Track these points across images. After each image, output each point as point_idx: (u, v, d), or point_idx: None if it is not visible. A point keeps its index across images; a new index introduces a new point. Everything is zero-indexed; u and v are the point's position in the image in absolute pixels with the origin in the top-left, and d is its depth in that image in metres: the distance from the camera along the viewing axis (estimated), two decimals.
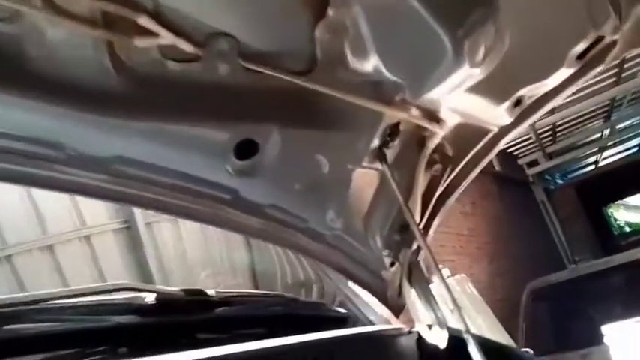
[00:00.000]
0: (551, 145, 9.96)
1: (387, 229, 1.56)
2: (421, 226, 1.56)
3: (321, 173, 1.36)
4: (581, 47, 1.20)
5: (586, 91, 7.74)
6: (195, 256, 4.93)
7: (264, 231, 1.42)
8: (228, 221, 1.35)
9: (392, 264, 1.61)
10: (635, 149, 12.51)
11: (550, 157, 10.14)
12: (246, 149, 1.19)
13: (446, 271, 4.52)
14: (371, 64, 1.15)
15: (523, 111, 1.37)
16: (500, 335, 4.18)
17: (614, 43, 1.25)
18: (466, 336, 1.31)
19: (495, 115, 1.36)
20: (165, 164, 1.17)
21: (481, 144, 1.49)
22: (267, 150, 1.22)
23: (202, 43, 1.02)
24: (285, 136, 1.23)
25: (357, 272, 1.64)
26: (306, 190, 1.38)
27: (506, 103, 1.31)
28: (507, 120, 1.38)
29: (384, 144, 1.38)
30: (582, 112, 8.73)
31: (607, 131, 10.52)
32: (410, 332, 1.65)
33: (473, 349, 1.29)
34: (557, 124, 8.96)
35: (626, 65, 7.28)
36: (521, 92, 1.30)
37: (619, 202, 15.68)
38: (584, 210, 10.46)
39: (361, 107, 1.22)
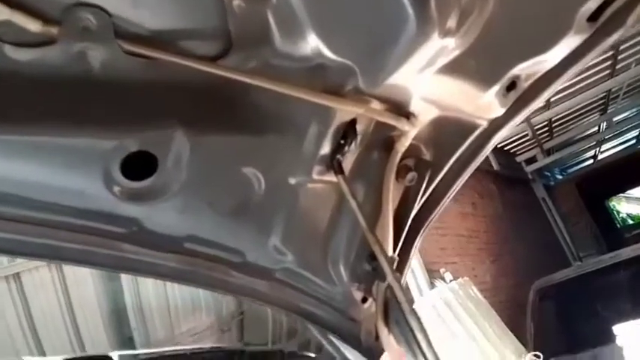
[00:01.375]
0: (548, 140, 9.87)
1: (354, 257, 1.21)
2: (396, 252, 1.21)
3: (254, 191, 1.04)
4: (593, 4, 0.89)
5: (581, 85, 7.66)
6: (176, 295, 4.77)
7: (183, 271, 1.08)
8: (134, 262, 1.01)
9: (364, 300, 1.26)
10: (634, 141, 12.43)
11: (548, 153, 10.05)
12: (141, 165, 0.89)
13: (448, 275, 4.39)
14: (307, 43, 0.86)
15: (519, 97, 1.04)
16: (507, 339, 4.04)
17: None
18: None
19: (483, 104, 1.03)
20: (27, 194, 0.86)
21: (467, 143, 1.15)
22: (169, 165, 0.91)
23: (56, 19, 0.75)
24: (195, 145, 0.92)
25: (319, 313, 1.29)
26: (236, 214, 1.06)
27: (496, 87, 0.99)
28: (499, 110, 1.06)
29: (338, 149, 1.04)
30: (578, 106, 8.64)
31: (604, 124, 10.44)
32: None
33: None
34: (554, 119, 8.86)
35: (620, 57, 7.21)
36: (515, 71, 0.98)
37: (621, 194, 15.58)
38: (586, 204, 10.35)
39: (300, 102, 0.92)
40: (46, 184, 0.86)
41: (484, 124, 1.11)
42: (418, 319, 1.01)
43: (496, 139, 1.15)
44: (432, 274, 4.57)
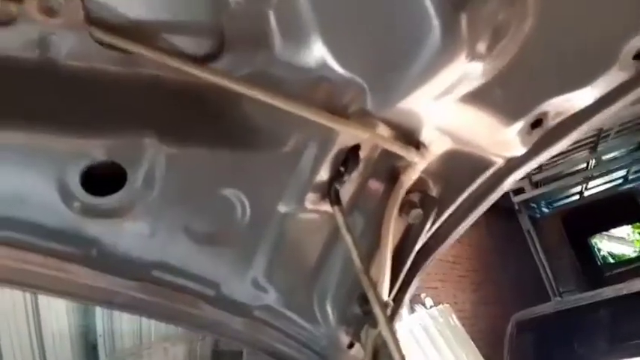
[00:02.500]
0: (537, 173, 9.92)
1: (343, 297, 1.08)
2: (392, 295, 1.08)
3: (236, 217, 0.91)
4: None
5: None
6: (149, 324, 4.65)
7: (145, 302, 0.93)
8: (87, 290, 0.87)
9: (351, 345, 1.14)
10: (620, 181, 12.56)
11: (536, 185, 10.10)
12: (107, 177, 0.76)
13: (429, 301, 4.34)
14: (311, 51, 0.74)
15: (544, 136, 0.92)
16: None
17: None
18: None
19: (503, 140, 0.91)
20: None
21: (479, 181, 1.03)
22: (139, 180, 0.78)
23: None
24: (171, 159, 0.79)
25: (299, 357, 1.15)
26: (214, 242, 0.93)
27: (521, 123, 0.87)
28: (519, 149, 0.93)
29: (336, 177, 0.92)
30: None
31: (593, 162, 10.53)
32: None
33: None
34: None
35: None
36: (544, 107, 0.86)
37: (604, 232, 15.71)
38: (570, 240, 10.39)
39: (298, 120, 0.80)
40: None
41: (500, 162, 0.99)
42: None
43: (511, 181, 1.02)
44: (413, 299, 4.53)
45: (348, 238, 0.92)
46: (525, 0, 0.71)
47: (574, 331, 5.61)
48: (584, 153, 10.06)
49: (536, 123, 0.90)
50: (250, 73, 0.77)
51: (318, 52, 0.74)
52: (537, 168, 9.80)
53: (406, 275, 1.11)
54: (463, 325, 4.47)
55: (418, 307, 4.32)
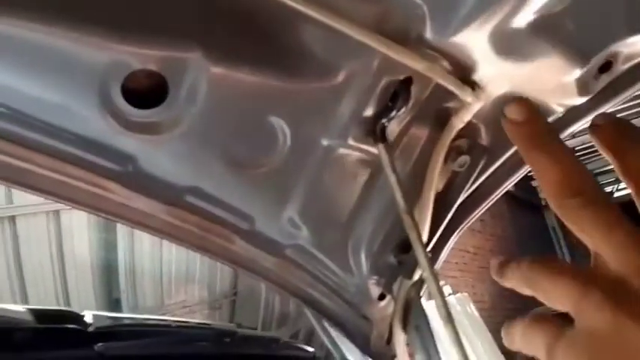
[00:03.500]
0: None
1: (379, 246, 1.03)
2: (430, 246, 1.03)
3: (277, 146, 0.86)
4: None
5: None
6: (171, 260, 4.71)
7: (175, 227, 0.91)
8: (120, 209, 0.85)
9: (382, 296, 1.10)
10: None
11: None
12: (147, 89, 0.72)
13: (447, 289, 4.36)
14: None
15: (611, 83, 0.81)
16: None
17: None
18: None
19: (567, 84, 0.79)
20: (18, 104, 0.71)
21: None
22: (182, 94, 0.74)
23: None
24: (215, 76, 0.74)
25: (328, 303, 1.11)
26: (253, 169, 0.88)
27: (589, 65, 0.75)
28: (583, 96, 0.82)
29: (384, 112, 0.84)
30: None
31: None
32: None
33: None
34: (577, 148, 8.74)
35: None
36: (616, 47, 0.74)
37: None
38: None
39: (351, 47, 0.73)
40: (38, 96, 0.70)
41: (560, 110, 0.87)
42: (453, 322, 0.83)
43: (569, 133, 0.92)
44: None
45: (392, 178, 0.84)
46: None
47: None
48: None
49: (605, 66, 0.77)
50: None
51: None
52: None
53: (446, 227, 1.02)
54: (481, 316, 4.48)
55: None
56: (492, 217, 7.49)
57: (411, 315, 1.01)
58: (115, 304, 4.65)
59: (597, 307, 0.38)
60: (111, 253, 4.70)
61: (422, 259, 0.86)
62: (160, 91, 0.73)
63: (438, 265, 1.11)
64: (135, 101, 0.72)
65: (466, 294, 4.37)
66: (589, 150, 9.21)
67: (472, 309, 4.24)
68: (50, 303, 4.23)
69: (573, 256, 9.73)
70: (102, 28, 0.67)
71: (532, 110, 0.47)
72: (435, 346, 0.98)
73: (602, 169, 10.30)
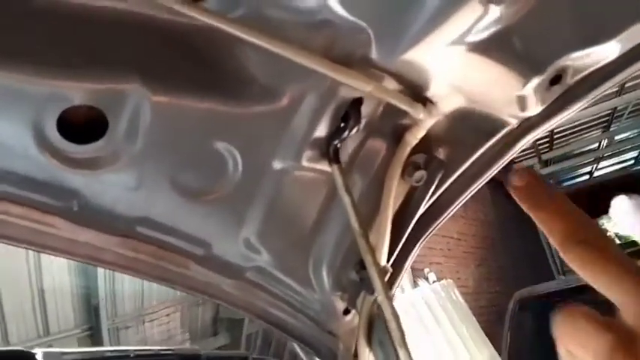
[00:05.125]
0: (547, 152, 9.82)
1: (340, 263, 1.03)
2: (391, 261, 1.03)
3: (228, 172, 0.86)
4: None
5: None
6: (150, 288, 4.66)
7: (128, 259, 0.89)
8: (68, 245, 0.82)
9: (346, 311, 1.09)
10: (632, 162, 12.41)
11: (546, 164, 10.01)
12: (86, 124, 0.71)
13: (432, 276, 4.35)
14: None
15: (562, 94, 0.83)
16: (483, 346, 4.03)
17: None
18: None
19: (519, 97, 0.82)
20: None
21: (490, 144, 0.94)
22: (122, 127, 0.73)
23: None
24: (157, 106, 0.73)
25: (292, 321, 1.11)
26: (204, 197, 0.87)
27: (540, 78, 0.78)
28: (536, 108, 0.85)
29: (336, 133, 0.85)
30: (582, 120, 8.58)
31: (605, 142, 10.40)
32: None
33: None
34: (556, 130, 8.81)
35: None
36: (565, 61, 0.77)
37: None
38: None
39: (295, 68, 0.73)
40: None
41: (514, 122, 0.90)
42: (406, 346, 0.83)
43: (524, 143, 0.94)
44: (416, 273, 4.54)
45: (346, 199, 0.86)
46: None
47: None
48: (597, 132, 9.92)
49: (555, 79, 0.80)
50: (245, 14, 0.69)
51: None
52: (548, 146, 9.69)
53: (407, 241, 1.03)
54: (466, 300, 4.50)
55: (421, 282, 4.33)
56: (475, 201, 7.52)
57: (376, 329, 0.97)
58: (94, 312, 4.57)
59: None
60: (92, 281, 4.63)
61: (377, 283, 0.85)
62: (100, 125, 0.71)
63: (400, 279, 1.09)
64: (73, 137, 0.70)
65: (450, 280, 4.37)
66: (567, 132, 9.29)
67: (457, 295, 4.26)
68: (26, 304, 4.12)
69: None
70: (33, 65, 0.64)
71: (532, 176, 0.52)
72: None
73: (581, 150, 10.44)
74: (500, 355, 4.13)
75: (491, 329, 4.86)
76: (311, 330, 1.11)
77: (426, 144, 0.94)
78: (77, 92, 0.67)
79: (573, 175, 12.58)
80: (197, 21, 0.67)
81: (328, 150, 0.86)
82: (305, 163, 0.88)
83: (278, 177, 0.90)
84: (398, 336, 0.82)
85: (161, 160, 0.81)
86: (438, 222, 1.06)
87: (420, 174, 0.95)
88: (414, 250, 1.07)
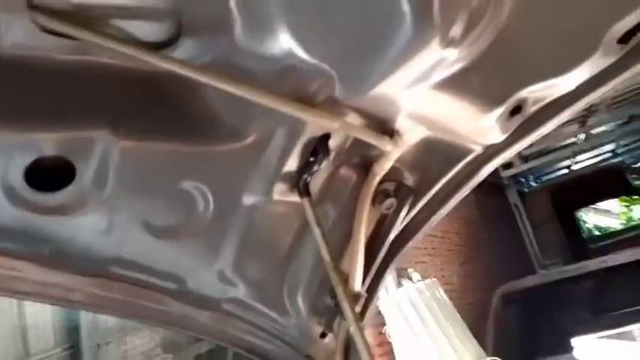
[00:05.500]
0: (527, 147, 9.96)
1: (315, 289, 1.07)
2: (365, 286, 1.06)
3: (198, 210, 0.89)
4: (631, 21, 0.74)
5: None
6: None
7: (102, 298, 0.90)
8: (40, 289, 0.83)
9: (323, 335, 1.14)
10: (609, 154, 12.66)
11: (525, 159, 10.14)
12: (53, 173, 0.74)
13: (416, 275, 4.39)
14: (277, 39, 0.70)
15: (523, 123, 0.91)
16: (468, 342, 4.07)
17: None
18: None
19: (481, 127, 0.89)
20: None
21: (456, 170, 1.01)
22: (90, 174, 0.76)
23: None
24: (125, 151, 0.76)
25: (270, 348, 1.14)
26: (175, 236, 0.90)
27: (500, 110, 0.85)
28: (499, 136, 0.92)
29: (306, 167, 0.90)
30: None
31: (582, 136, 10.58)
32: None
33: None
34: None
35: None
36: (522, 94, 0.84)
37: (590, 206, 15.92)
38: (557, 214, 10.55)
39: (263, 109, 0.76)
40: None
41: (479, 149, 0.97)
42: None
43: (489, 168, 1.00)
44: (401, 273, 4.57)
45: (317, 232, 0.91)
46: None
47: (558, 302, 5.74)
48: (574, 127, 10.09)
49: (516, 110, 0.88)
50: (211, 61, 0.73)
51: (283, 40, 0.70)
52: None
53: (380, 265, 1.09)
54: (450, 298, 4.54)
55: (405, 282, 4.37)
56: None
57: (352, 351, 1.02)
58: (75, 330, 4.50)
59: None
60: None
61: (348, 314, 0.91)
62: (68, 173, 0.75)
63: (375, 301, 1.15)
64: (41, 186, 0.73)
65: (435, 279, 4.41)
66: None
67: (441, 293, 4.29)
68: (5, 326, 4.04)
69: (535, 231, 10.01)
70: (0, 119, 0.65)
71: None
72: None
73: (559, 145, 10.60)
74: (485, 349, 4.19)
75: (477, 325, 4.92)
76: (288, 355, 1.14)
77: (395, 172, 1.00)
78: (44, 143, 0.70)
79: (553, 170, 12.78)
80: (163, 67, 0.69)
81: (298, 184, 0.91)
82: (276, 197, 0.92)
83: (250, 211, 0.93)
84: (366, 355, 0.86)
85: (131, 202, 0.84)
86: (410, 243, 1.12)
87: (390, 202, 1.02)
88: (387, 272, 1.12)
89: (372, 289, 1.11)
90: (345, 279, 0.95)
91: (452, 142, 0.95)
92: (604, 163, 12.08)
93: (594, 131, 10.46)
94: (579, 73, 0.80)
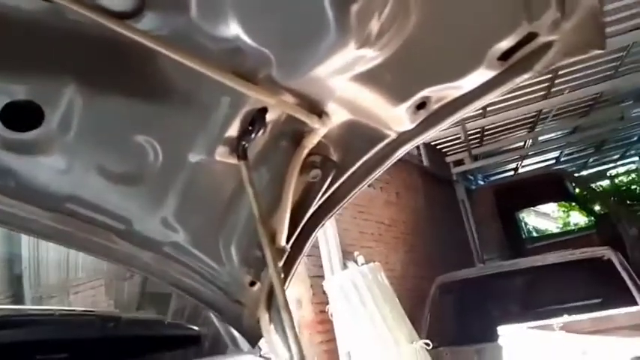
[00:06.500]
0: (478, 147, 10.33)
1: (246, 242, 1.22)
2: (289, 244, 1.22)
3: (148, 162, 1.02)
4: (506, 44, 0.94)
5: (517, 100, 8.05)
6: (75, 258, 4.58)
7: (59, 231, 1.02)
8: (4, 216, 0.95)
9: (252, 283, 1.28)
10: (553, 161, 13.32)
11: (475, 158, 10.54)
12: (25, 115, 0.85)
13: (360, 259, 4.53)
14: (227, 25, 0.84)
15: (428, 117, 1.09)
16: (404, 325, 4.27)
17: (549, 45, 0.95)
18: None
19: (394, 116, 1.07)
20: None
21: (374, 150, 1.17)
22: (56, 120, 0.88)
23: None
24: (88, 104, 0.88)
25: (204, 291, 1.29)
26: (126, 182, 1.03)
27: (407, 104, 1.04)
28: (408, 125, 1.10)
29: (244, 135, 1.04)
30: (511, 120, 9.09)
31: (530, 141, 11.07)
32: None
33: None
34: (486, 127, 9.28)
35: (557, 81, 7.63)
36: (426, 92, 1.03)
37: (531, 208, 16.71)
38: (499, 212, 11.04)
39: (212, 81, 0.89)
40: None
41: (393, 135, 1.15)
42: (289, 313, 1.04)
43: (402, 151, 1.19)
44: (347, 256, 4.70)
45: (250, 191, 1.06)
46: (410, 2, 0.85)
47: (491, 295, 6.08)
48: (524, 132, 10.55)
49: (421, 105, 1.06)
50: (169, 34, 0.83)
51: (232, 27, 0.83)
52: (479, 142, 10.20)
53: (306, 228, 1.25)
54: (392, 283, 4.72)
55: (350, 264, 4.50)
56: (407, 189, 7.82)
57: (274, 299, 1.16)
58: (17, 280, 4.41)
59: None
60: (15, 248, 4.47)
61: (271, 265, 1.08)
62: (37, 117, 0.86)
63: (300, 259, 1.30)
64: (13, 125, 0.84)
65: (378, 263, 4.57)
66: (496, 130, 9.81)
67: (382, 277, 4.46)
68: None
69: (478, 227, 10.45)
70: None
71: None
72: (292, 326, 1.13)
73: (508, 147, 11.06)
74: (419, 333, 4.40)
75: (415, 311, 5.14)
76: (220, 298, 1.30)
77: (322, 148, 1.17)
78: (18, 88, 0.81)
79: (500, 171, 13.33)
80: (126, 35, 0.80)
81: (237, 148, 1.05)
82: (218, 158, 1.06)
83: (194, 168, 1.07)
84: (282, 301, 1.05)
85: (90, 148, 0.96)
86: (332, 213, 1.29)
87: (316, 172, 1.19)
88: (312, 237, 1.29)
89: (296, 248, 1.26)
90: (272, 235, 1.12)
91: (371, 126, 1.12)
92: (547, 169, 12.68)
93: (541, 138, 10.97)
94: (469, 81, 1.00)
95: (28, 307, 3.60)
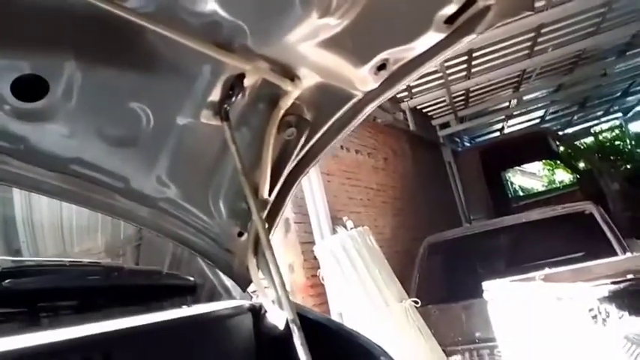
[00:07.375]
0: (463, 109, 10.38)
1: (233, 196, 1.37)
2: (272, 196, 1.37)
3: (142, 126, 1.15)
4: (450, 10, 1.06)
5: (501, 60, 8.06)
6: (72, 215, 4.62)
7: (65, 190, 1.16)
8: (18, 177, 1.08)
9: (240, 234, 1.43)
10: (538, 120, 13.43)
11: (461, 120, 10.61)
12: (32, 87, 0.97)
13: (350, 223, 4.62)
14: (206, 2, 0.96)
15: (389, 76, 1.22)
16: (393, 285, 4.41)
17: (487, 8, 1.08)
18: (291, 326, 1.17)
19: (358, 77, 1.20)
20: None
21: (344, 109, 1.31)
22: (60, 90, 1.00)
23: None
24: (87, 75, 1.00)
25: (197, 242, 1.44)
26: (123, 144, 1.16)
27: (369, 66, 1.17)
28: (372, 85, 1.24)
29: (226, 98, 1.17)
30: (495, 80, 9.11)
31: (514, 101, 11.13)
32: (251, 310, 1.47)
33: (297, 341, 1.16)
34: (471, 89, 9.31)
35: (539, 39, 7.63)
36: (384, 55, 1.16)
37: (517, 167, 16.92)
38: (485, 173, 11.18)
39: (193, 51, 1.02)
40: None
41: (359, 94, 1.28)
42: (273, 256, 1.20)
43: (369, 109, 1.32)
44: (336, 222, 4.79)
45: (232, 147, 1.19)
46: None
47: (478, 254, 6.25)
48: (508, 92, 10.60)
49: (382, 66, 1.18)
50: (154, 10, 0.93)
51: (210, 3, 0.95)
52: (464, 104, 10.24)
53: (286, 181, 1.40)
54: (381, 246, 4.83)
55: (339, 229, 4.60)
56: (395, 155, 7.89)
57: (261, 246, 1.32)
58: (15, 255, 4.48)
59: None
60: (7, 209, 4.53)
61: (255, 215, 1.24)
62: (43, 89, 0.98)
63: (283, 211, 1.44)
64: (22, 96, 0.97)
65: (367, 227, 4.67)
66: (481, 91, 9.85)
67: (372, 241, 4.57)
68: None
69: (464, 189, 10.61)
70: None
71: None
72: (277, 267, 1.27)
73: (493, 108, 11.12)
74: (409, 293, 4.55)
75: (404, 271, 5.29)
76: (212, 248, 1.46)
77: (297, 108, 1.30)
78: (27, 64, 0.93)
79: (486, 132, 13.42)
80: (117, 13, 0.89)
81: (220, 111, 1.18)
82: (203, 120, 1.20)
83: (182, 130, 1.21)
84: (266, 244, 1.21)
85: (90, 115, 1.08)
86: (309, 168, 1.43)
87: (291, 130, 1.32)
88: (292, 189, 1.44)
89: (279, 200, 1.41)
90: (255, 188, 1.27)
91: (339, 88, 1.24)
92: (533, 128, 12.79)
93: (525, 97, 11.04)
94: (421, 43, 1.12)
95: (42, 258, 3.71)
